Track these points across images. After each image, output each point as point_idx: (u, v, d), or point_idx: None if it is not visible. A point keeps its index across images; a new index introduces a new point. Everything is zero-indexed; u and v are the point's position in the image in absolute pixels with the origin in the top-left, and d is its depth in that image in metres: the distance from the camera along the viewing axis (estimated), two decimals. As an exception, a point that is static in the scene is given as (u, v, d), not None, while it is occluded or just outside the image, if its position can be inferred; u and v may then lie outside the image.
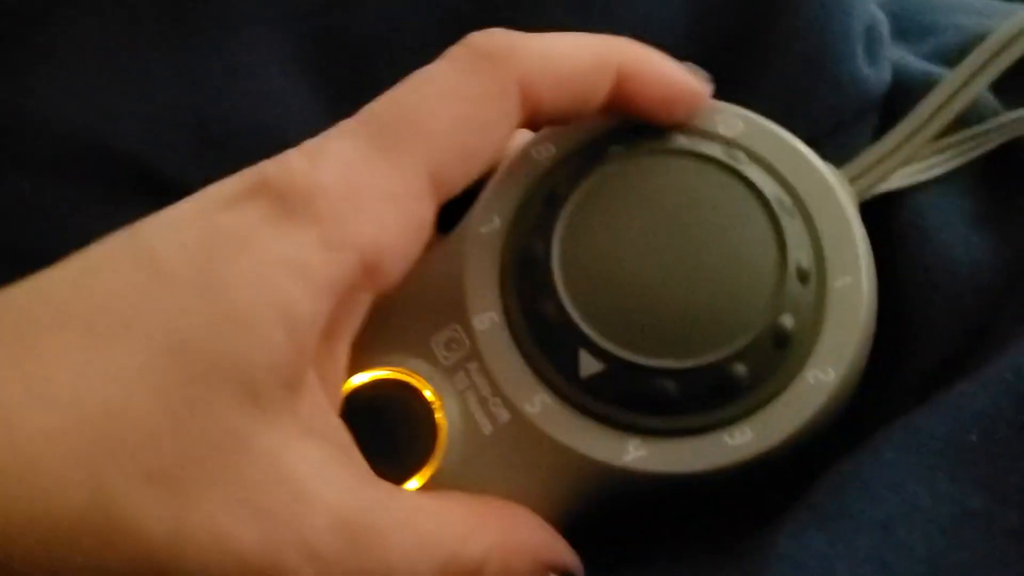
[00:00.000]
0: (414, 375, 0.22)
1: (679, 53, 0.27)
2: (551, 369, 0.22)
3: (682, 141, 0.23)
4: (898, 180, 0.26)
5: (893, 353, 0.24)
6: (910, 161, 0.25)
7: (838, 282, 0.22)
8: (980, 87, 0.26)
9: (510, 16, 0.27)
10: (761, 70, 0.27)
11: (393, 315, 0.23)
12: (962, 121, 0.26)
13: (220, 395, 0.17)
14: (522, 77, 0.21)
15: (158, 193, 0.25)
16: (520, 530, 0.21)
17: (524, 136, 0.24)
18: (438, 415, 0.22)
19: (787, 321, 0.21)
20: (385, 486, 0.20)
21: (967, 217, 0.25)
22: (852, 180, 0.25)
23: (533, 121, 0.22)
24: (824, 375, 0.21)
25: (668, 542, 0.23)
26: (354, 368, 0.22)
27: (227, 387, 0.18)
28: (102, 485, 0.17)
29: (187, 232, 0.19)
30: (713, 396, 0.21)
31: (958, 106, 0.26)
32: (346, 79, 0.27)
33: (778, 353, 0.21)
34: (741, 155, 0.23)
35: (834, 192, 0.23)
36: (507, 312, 0.22)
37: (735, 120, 0.23)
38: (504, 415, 0.22)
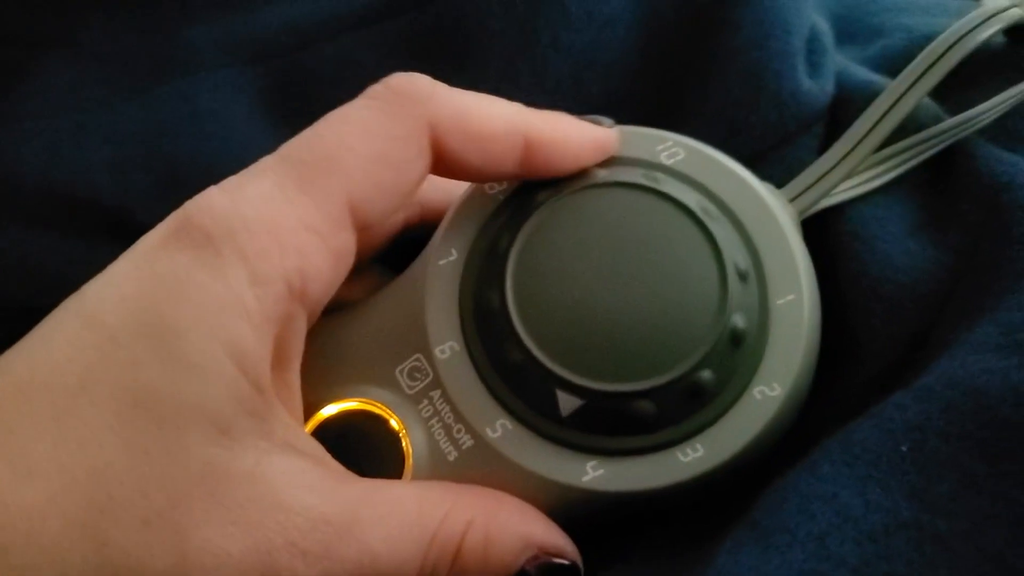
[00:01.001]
0: (380, 405, 0.23)
1: (627, 77, 0.28)
2: (510, 395, 0.23)
3: (615, 173, 0.24)
4: (841, 194, 0.27)
5: (840, 362, 0.25)
6: (852, 175, 0.26)
7: (781, 300, 0.23)
8: (917, 99, 0.26)
9: (463, 49, 0.28)
10: (706, 89, 0.28)
11: (358, 347, 0.24)
12: (903, 129, 0.27)
13: (192, 436, 0.19)
14: (434, 123, 0.22)
15: (133, 239, 0.26)
16: (503, 510, 0.22)
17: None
18: (404, 443, 0.23)
19: (739, 321, 0.22)
20: (365, 482, 0.21)
21: (908, 225, 0.26)
22: (793, 199, 0.26)
23: (445, 170, 0.23)
24: (771, 390, 0.22)
25: (624, 550, 0.24)
26: (323, 399, 0.23)
27: (197, 427, 0.19)
28: (105, 542, 0.18)
29: (126, 286, 0.20)
30: (676, 411, 0.22)
31: (896, 118, 0.26)
32: (306, 115, 0.27)
33: (736, 354, 0.22)
34: (660, 175, 0.24)
35: (773, 213, 0.24)
36: (467, 341, 0.23)
37: (676, 149, 0.24)
38: (467, 441, 0.23)
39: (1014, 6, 0.28)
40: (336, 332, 0.24)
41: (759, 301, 0.23)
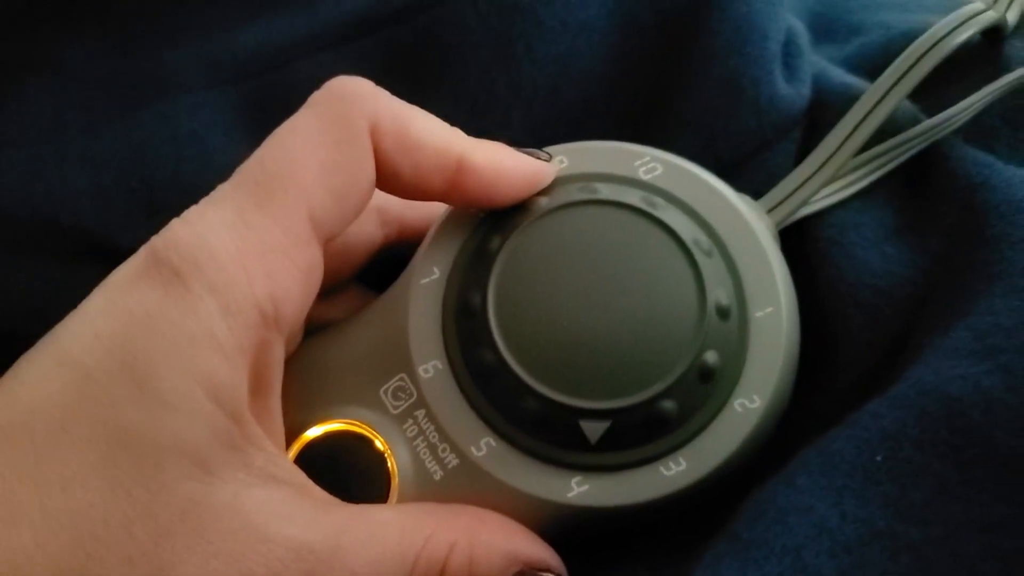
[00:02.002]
0: (364, 426, 0.24)
1: (605, 85, 0.28)
2: (494, 412, 0.23)
3: (605, 191, 0.24)
4: (819, 202, 0.27)
5: (820, 369, 0.25)
6: (830, 182, 0.26)
7: (759, 313, 0.23)
8: (893, 105, 0.26)
9: (441, 63, 0.28)
10: (684, 96, 0.28)
11: (342, 368, 0.24)
12: (881, 130, 0.27)
13: (171, 472, 0.19)
14: (373, 123, 0.22)
15: (115, 263, 0.27)
16: (486, 529, 0.22)
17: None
18: (389, 463, 0.23)
19: (710, 357, 0.22)
20: (347, 508, 0.22)
21: (886, 229, 0.26)
22: (771, 209, 0.26)
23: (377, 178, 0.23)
24: (751, 403, 0.23)
25: (610, 564, 0.24)
26: (308, 421, 0.24)
27: (176, 463, 0.19)
28: None
29: (99, 323, 0.20)
30: (646, 432, 0.22)
31: (873, 125, 0.26)
32: None
33: (704, 387, 0.23)
34: (659, 200, 0.24)
35: (751, 227, 0.24)
36: (450, 359, 0.23)
37: (654, 164, 0.25)
38: (453, 460, 0.23)
39: (988, 9, 0.28)
40: (319, 353, 0.25)
41: (738, 328, 0.23)
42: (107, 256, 0.26)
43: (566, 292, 0.23)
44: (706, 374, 0.22)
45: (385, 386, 0.24)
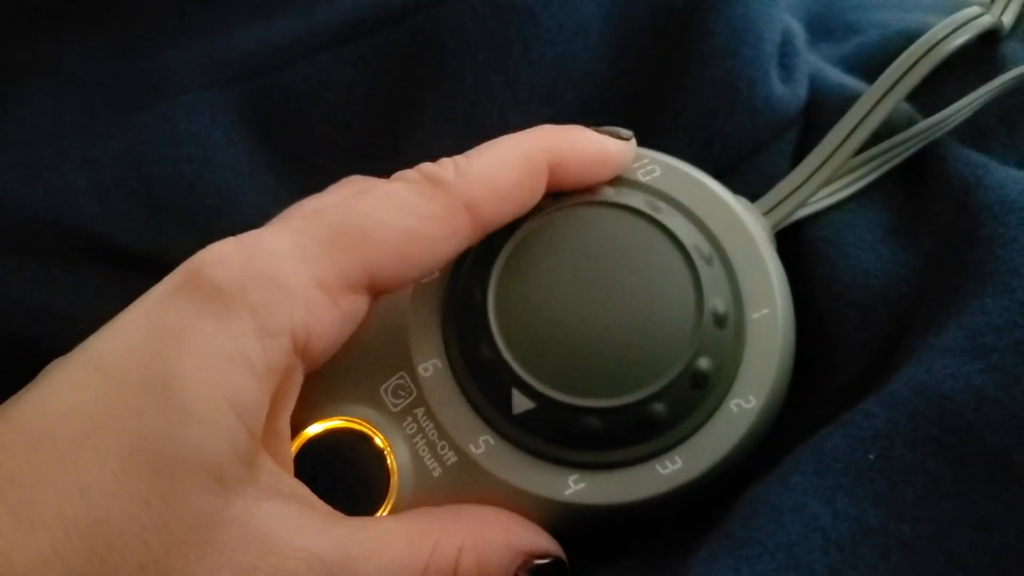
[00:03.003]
0: (365, 423, 0.24)
1: (601, 86, 0.29)
2: (492, 410, 0.23)
3: (608, 193, 0.24)
4: (815, 204, 0.27)
5: (816, 369, 0.25)
6: (826, 184, 0.27)
7: (755, 314, 0.24)
8: (889, 109, 0.27)
9: (438, 65, 0.28)
10: (680, 99, 0.28)
11: (343, 366, 0.24)
12: (877, 131, 0.27)
13: (189, 484, 0.19)
14: (468, 201, 0.22)
15: (115, 263, 0.27)
16: (489, 527, 0.22)
17: None
18: (389, 460, 0.23)
19: (703, 364, 0.23)
20: (354, 521, 0.22)
21: (881, 230, 0.27)
22: (767, 211, 0.26)
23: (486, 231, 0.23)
24: (746, 403, 0.23)
25: (607, 560, 0.24)
26: (309, 418, 0.24)
27: (195, 476, 0.19)
28: None
29: (133, 335, 0.20)
30: (639, 432, 0.23)
31: (869, 128, 0.27)
32: (283, 135, 0.28)
33: (696, 393, 0.23)
34: (662, 204, 0.24)
35: (748, 230, 0.24)
36: (450, 358, 0.24)
37: (653, 166, 0.25)
38: (451, 457, 0.23)
39: (985, 13, 0.28)
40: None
41: (734, 333, 0.23)
42: (107, 257, 0.27)
43: (567, 293, 0.23)
44: (698, 380, 0.23)
45: (385, 384, 0.24)
